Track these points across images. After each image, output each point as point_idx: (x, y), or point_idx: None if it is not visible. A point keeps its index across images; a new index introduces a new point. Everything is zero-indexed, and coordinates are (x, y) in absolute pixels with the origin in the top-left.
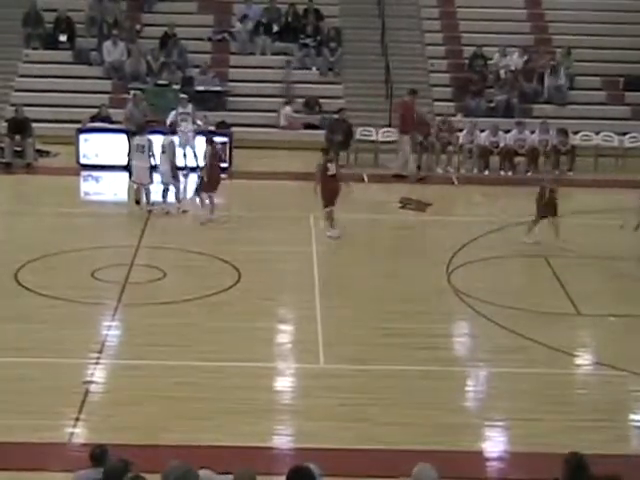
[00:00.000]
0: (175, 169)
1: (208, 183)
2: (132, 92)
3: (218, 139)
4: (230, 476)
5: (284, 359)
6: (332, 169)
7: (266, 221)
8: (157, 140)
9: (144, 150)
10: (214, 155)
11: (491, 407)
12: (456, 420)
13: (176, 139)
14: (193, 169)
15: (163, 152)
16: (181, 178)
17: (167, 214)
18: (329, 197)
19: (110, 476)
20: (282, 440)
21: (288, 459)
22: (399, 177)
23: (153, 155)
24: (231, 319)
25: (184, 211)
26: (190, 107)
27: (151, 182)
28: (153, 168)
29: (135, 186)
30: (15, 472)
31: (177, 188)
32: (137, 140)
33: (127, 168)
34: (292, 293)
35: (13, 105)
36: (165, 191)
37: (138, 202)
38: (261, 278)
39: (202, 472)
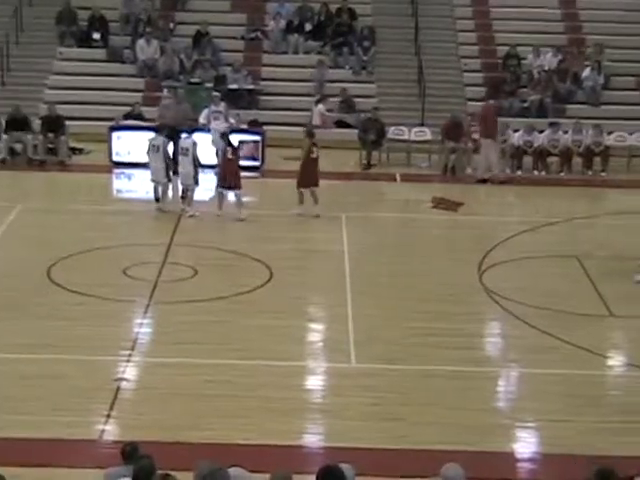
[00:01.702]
0: (197, 172)
1: (224, 179)
2: (168, 90)
3: (247, 137)
4: (259, 475)
5: (315, 358)
6: (315, 153)
7: (298, 219)
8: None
9: (159, 150)
10: (231, 152)
11: (522, 408)
12: (487, 420)
13: (198, 140)
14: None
15: (185, 154)
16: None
17: (191, 217)
18: (305, 179)
19: (140, 474)
20: (313, 439)
21: (319, 458)
22: (483, 182)
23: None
24: (262, 317)
25: (191, 215)
26: (223, 105)
27: (168, 180)
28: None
29: (153, 184)
30: (47, 468)
31: (193, 191)
32: (152, 140)
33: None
34: (323, 292)
35: (47, 103)
36: (185, 192)
37: (157, 200)
38: (293, 277)
39: (233, 470)
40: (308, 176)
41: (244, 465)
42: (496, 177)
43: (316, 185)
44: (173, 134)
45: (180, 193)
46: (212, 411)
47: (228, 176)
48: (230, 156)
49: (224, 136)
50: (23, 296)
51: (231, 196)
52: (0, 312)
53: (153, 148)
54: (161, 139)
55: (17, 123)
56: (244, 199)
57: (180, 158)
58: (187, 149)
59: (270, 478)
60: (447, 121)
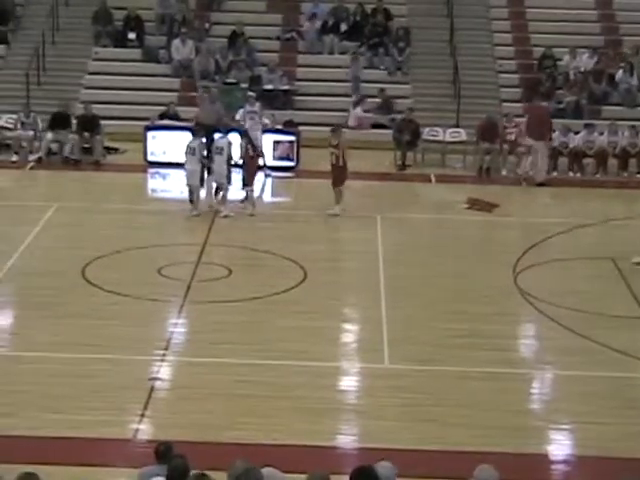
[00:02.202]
0: (230, 171)
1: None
2: (204, 88)
3: (282, 137)
4: (293, 475)
5: (349, 359)
6: (251, 151)
7: (332, 220)
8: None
9: (194, 153)
10: (252, 150)
11: (556, 410)
12: (521, 422)
13: (233, 140)
14: (260, 167)
15: (219, 153)
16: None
17: (225, 217)
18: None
19: (174, 473)
20: (346, 440)
21: (352, 459)
22: (543, 185)
23: (207, 157)
24: (296, 318)
25: (225, 215)
26: (258, 105)
27: (200, 185)
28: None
29: (188, 188)
30: (81, 467)
31: (227, 190)
32: (190, 143)
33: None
34: (358, 293)
35: (82, 102)
36: (217, 190)
37: (192, 201)
38: (327, 277)
39: (266, 470)
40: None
41: (276, 466)
42: (534, 179)
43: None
44: (207, 133)
45: (214, 191)
46: (246, 411)
47: (246, 174)
48: (251, 154)
49: (245, 135)
50: (58, 295)
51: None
52: (35, 311)
53: (190, 150)
54: (197, 142)
55: (59, 121)
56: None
57: (215, 157)
58: (222, 148)
59: (307, 478)
60: (482, 122)
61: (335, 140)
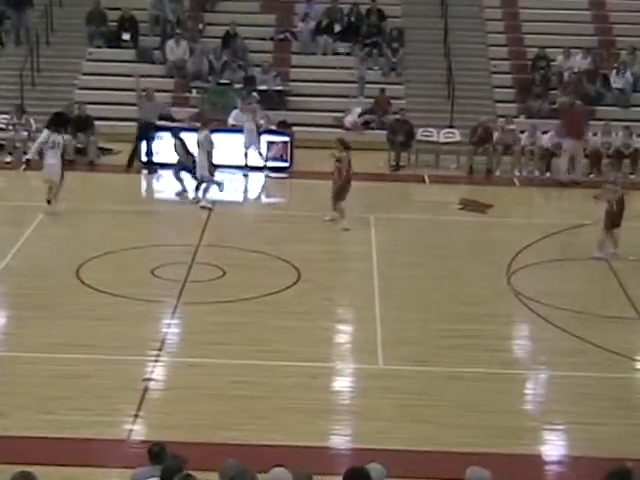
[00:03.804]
0: (211, 164)
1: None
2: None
3: (276, 138)
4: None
5: (343, 359)
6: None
7: (326, 221)
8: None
9: (200, 145)
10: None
11: (550, 410)
12: (515, 423)
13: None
14: (255, 168)
15: (199, 146)
16: (218, 176)
17: (202, 208)
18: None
19: (167, 474)
20: (340, 440)
21: (346, 459)
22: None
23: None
24: (290, 318)
25: (203, 207)
26: (255, 106)
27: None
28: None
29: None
30: (74, 468)
31: (208, 183)
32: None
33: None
34: (351, 293)
35: (76, 103)
36: (200, 184)
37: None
38: (321, 278)
39: (278, 471)
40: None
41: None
42: (574, 179)
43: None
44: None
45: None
46: (239, 412)
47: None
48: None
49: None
50: (52, 296)
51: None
52: (29, 311)
53: (199, 144)
54: (203, 134)
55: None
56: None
57: (197, 151)
58: (201, 142)
59: (292, 477)
60: (476, 127)
61: (338, 153)
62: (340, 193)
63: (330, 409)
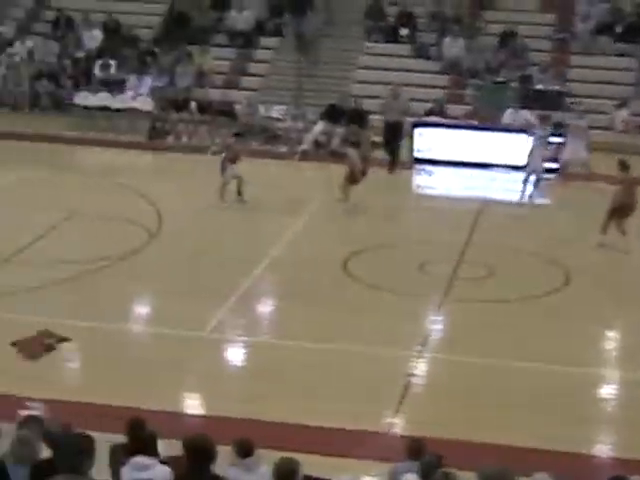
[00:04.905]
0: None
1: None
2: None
3: (552, 139)
4: None
5: (609, 365)
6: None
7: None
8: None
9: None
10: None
11: None
12: None
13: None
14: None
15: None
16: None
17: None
18: None
19: (426, 470)
20: (603, 448)
21: (608, 469)
22: None
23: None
24: (559, 322)
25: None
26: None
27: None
28: None
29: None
30: (335, 458)
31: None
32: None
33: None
34: (625, 300)
35: (352, 96)
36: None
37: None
38: (592, 282)
39: (540, 476)
40: None
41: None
42: None
43: None
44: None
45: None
46: (500, 413)
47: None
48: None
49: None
50: (319, 286)
51: None
52: (295, 300)
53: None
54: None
55: (333, 114)
56: None
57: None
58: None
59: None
60: None
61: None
62: (618, 216)
63: (594, 416)
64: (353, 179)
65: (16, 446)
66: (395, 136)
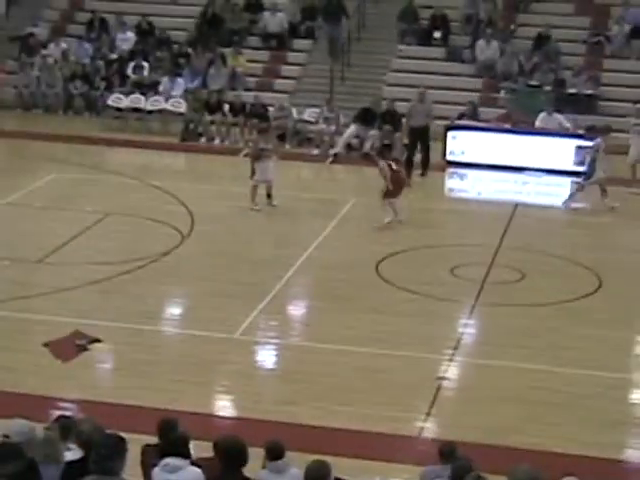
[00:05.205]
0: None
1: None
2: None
3: (584, 143)
4: None
5: None
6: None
7: (634, 229)
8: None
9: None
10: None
11: None
12: None
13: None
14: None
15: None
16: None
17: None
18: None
19: (458, 474)
20: (629, 453)
21: (637, 475)
22: None
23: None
24: (590, 326)
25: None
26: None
27: None
28: None
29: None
30: (363, 461)
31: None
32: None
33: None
34: None
35: (384, 99)
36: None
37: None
38: (624, 286)
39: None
40: None
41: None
42: None
43: None
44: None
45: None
46: (532, 417)
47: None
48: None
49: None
50: (351, 289)
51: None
52: (328, 303)
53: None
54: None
55: (365, 117)
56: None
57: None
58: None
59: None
60: None
61: None
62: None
63: (625, 421)
64: (390, 193)
65: (41, 446)
66: (423, 139)
